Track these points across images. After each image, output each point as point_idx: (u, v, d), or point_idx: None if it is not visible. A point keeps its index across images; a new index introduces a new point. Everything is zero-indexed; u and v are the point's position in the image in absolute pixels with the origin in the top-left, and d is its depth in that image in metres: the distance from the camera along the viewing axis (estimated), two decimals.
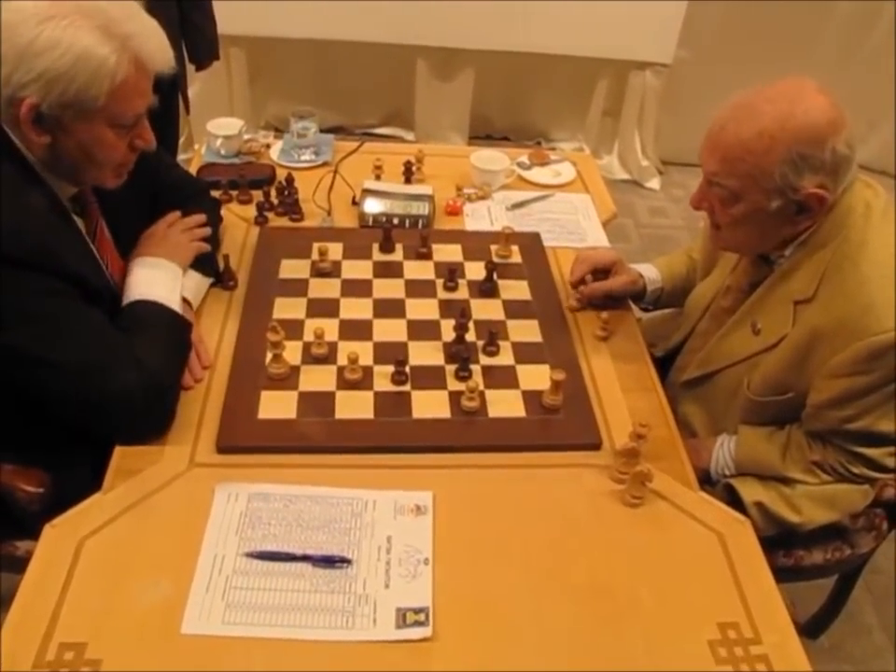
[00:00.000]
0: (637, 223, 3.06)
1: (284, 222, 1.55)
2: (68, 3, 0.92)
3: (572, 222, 1.63)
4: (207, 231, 1.32)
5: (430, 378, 1.19)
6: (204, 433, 1.09)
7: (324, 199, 1.60)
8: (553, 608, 0.92)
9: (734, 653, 0.89)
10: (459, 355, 1.20)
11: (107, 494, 1.00)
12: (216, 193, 1.52)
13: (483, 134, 3.38)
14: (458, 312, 1.24)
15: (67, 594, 0.88)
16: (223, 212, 1.47)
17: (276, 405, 1.13)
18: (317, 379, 1.17)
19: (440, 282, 1.39)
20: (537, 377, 1.20)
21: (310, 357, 1.20)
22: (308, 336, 1.23)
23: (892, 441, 1.14)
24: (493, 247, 1.49)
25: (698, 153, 1.11)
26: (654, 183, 3.28)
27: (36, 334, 0.98)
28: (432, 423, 1.13)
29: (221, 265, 1.34)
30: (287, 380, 1.17)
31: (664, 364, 1.41)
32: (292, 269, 1.39)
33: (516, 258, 1.49)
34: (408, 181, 1.66)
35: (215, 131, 1.71)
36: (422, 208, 1.55)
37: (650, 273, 1.44)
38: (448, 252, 1.47)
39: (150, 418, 1.07)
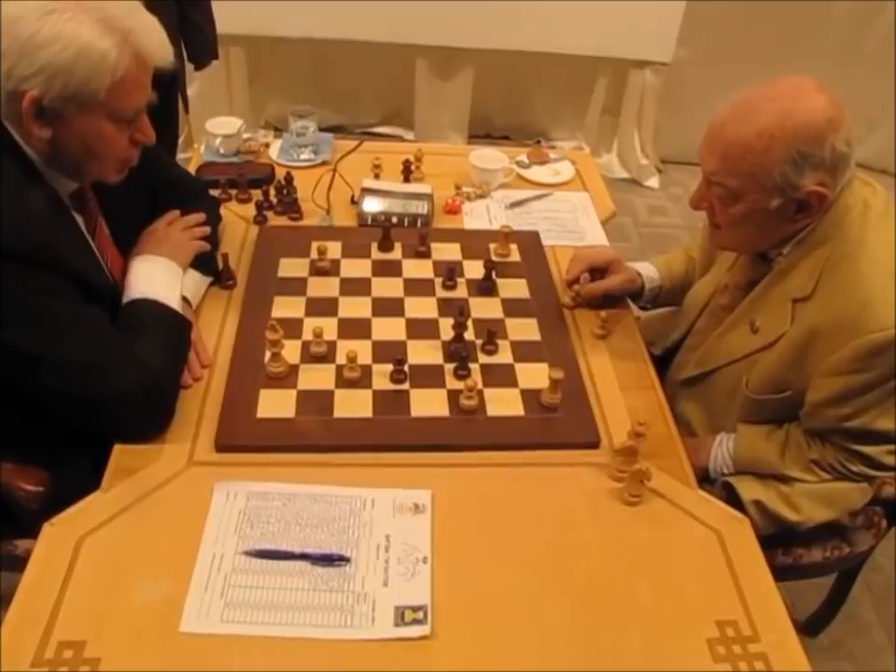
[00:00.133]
0: (636, 222, 3.06)
1: (283, 221, 1.55)
2: None
3: (571, 221, 1.63)
4: (207, 229, 1.32)
5: (429, 377, 1.19)
6: (203, 432, 1.09)
7: (323, 198, 1.60)
8: (552, 606, 0.92)
9: (732, 651, 0.89)
10: (458, 353, 1.20)
11: (106, 492, 1.00)
12: (215, 192, 1.52)
13: (482, 133, 3.38)
14: (457, 310, 1.24)
15: (66, 592, 0.88)
16: (222, 211, 1.47)
17: (275, 404, 1.13)
18: (316, 378, 1.17)
19: (438, 281, 1.39)
20: (535, 376, 1.20)
21: (309, 356, 1.20)
22: (307, 335, 1.23)
23: (891, 439, 1.14)
24: (492, 246, 1.49)
25: (697, 152, 1.11)
26: (653, 182, 3.28)
27: (37, 332, 0.98)
28: (431, 421, 1.13)
29: (220, 264, 1.34)
30: (286, 379, 1.17)
31: (662, 362, 1.41)
32: (291, 268, 1.39)
33: (515, 256, 1.49)
34: (407, 180, 1.66)
35: (214, 130, 1.71)
36: (421, 207, 1.55)
37: (648, 271, 1.44)
38: (447, 251, 1.47)
39: (150, 417, 1.07)
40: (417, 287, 1.38)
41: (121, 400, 1.02)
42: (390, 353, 1.19)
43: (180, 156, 2.52)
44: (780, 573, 1.10)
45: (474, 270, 1.41)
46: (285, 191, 1.56)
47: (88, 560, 0.92)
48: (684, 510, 1.04)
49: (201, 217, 1.33)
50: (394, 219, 1.53)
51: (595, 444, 1.12)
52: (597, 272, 1.40)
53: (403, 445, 1.10)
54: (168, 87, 1.96)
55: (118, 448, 1.06)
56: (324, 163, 1.72)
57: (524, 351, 1.26)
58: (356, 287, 1.36)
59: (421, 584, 0.92)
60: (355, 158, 1.75)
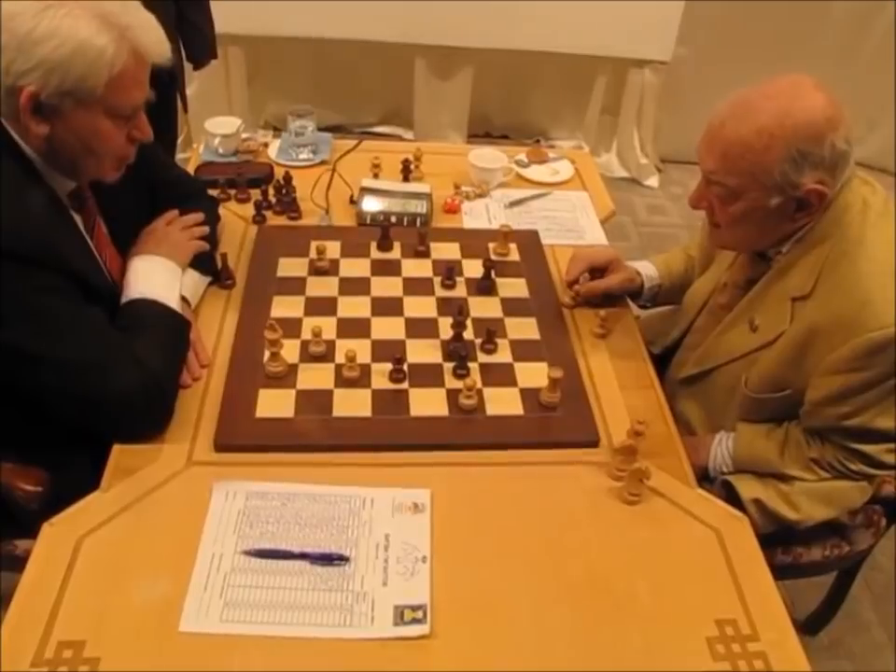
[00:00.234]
0: (635, 221, 3.06)
1: (282, 221, 1.54)
2: None
3: (570, 220, 1.63)
4: (206, 229, 1.32)
5: (428, 376, 1.19)
6: (202, 431, 1.09)
7: (322, 197, 1.60)
8: (551, 605, 0.92)
9: (731, 650, 0.89)
10: (457, 352, 1.20)
11: (106, 492, 1.00)
12: (214, 192, 1.52)
13: (481, 133, 3.38)
14: (456, 310, 1.24)
15: (66, 592, 0.88)
16: (221, 210, 1.47)
17: (274, 403, 1.13)
18: (315, 377, 1.17)
19: (437, 280, 1.39)
20: (534, 375, 1.20)
21: (308, 356, 1.20)
22: (306, 334, 1.23)
23: (890, 438, 1.14)
24: (491, 245, 1.49)
25: (696, 151, 1.11)
26: (653, 181, 3.28)
27: (37, 332, 0.98)
28: (430, 421, 1.13)
29: (219, 264, 1.34)
30: (285, 378, 1.17)
31: (661, 361, 1.41)
32: (290, 267, 1.39)
33: (514, 255, 1.49)
34: (406, 179, 1.66)
35: (213, 129, 1.71)
36: (420, 206, 1.55)
37: (647, 270, 1.44)
38: (446, 250, 1.47)
39: (149, 417, 1.07)
40: (416, 287, 1.38)
41: (121, 400, 1.02)
42: (389, 352, 1.19)
43: (179, 156, 2.52)
44: (780, 572, 1.10)
45: (473, 269, 1.41)
46: (284, 191, 1.56)
47: (87, 560, 0.92)
48: (684, 508, 1.04)
49: (199, 216, 1.33)
50: (393, 219, 1.52)
51: (594, 443, 1.12)
52: (597, 271, 1.40)
53: (402, 444, 1.10)
54: (167, 86, 1.96)
55: (117, 448, 1.06)
56: (323, 163, 1.72)
57: (523, 350, 1.26)
58: (355, 286, 1.36)
59: (420, 583, 0.92)
60: (354, 157, 1.75)
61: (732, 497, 1.18)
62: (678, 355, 1.40)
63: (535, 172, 1.78)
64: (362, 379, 1.17)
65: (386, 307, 1.32)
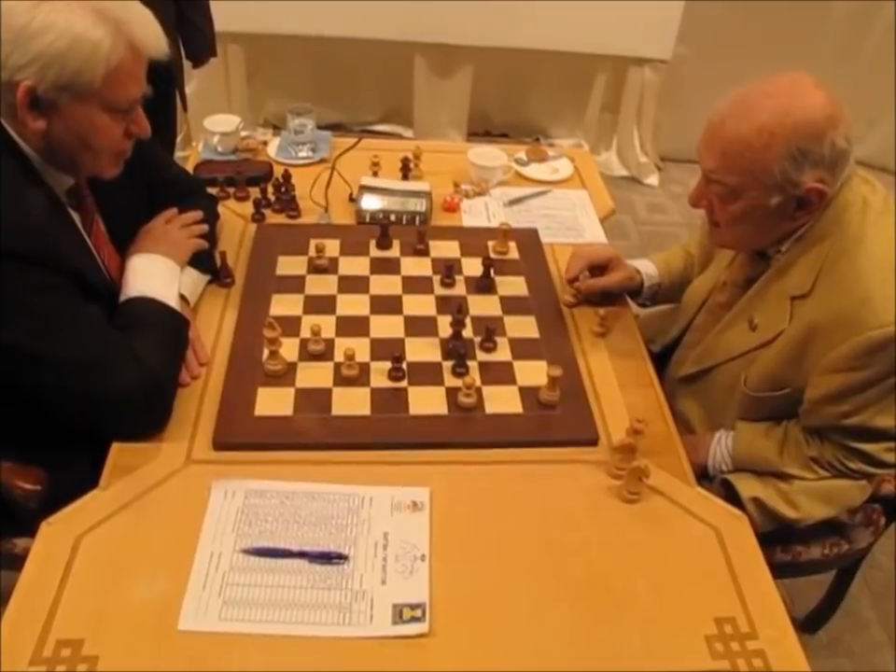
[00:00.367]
0: (635, 220, 3.05)
1: (281, 219, 1.54)
2: None
3: (570, 218, 1.63)
4: (205, 227, 1.32)
5: (427, 374, 1.19)
6: (201, 430, 1.09)
7: (321, 195, 1.60)
8: (550, 603, 0.92)
9: (730, 648, 0.89)
10: (456, 351, 1.20)
11: (104, 491, 1.00)
12: (213, 190, 1.51)
13: (481, 131, 3.38)
14: (455, 308, 1.24)
15: (64, 591, 0.88)
16: (220, 209, 1.47)
17: (273, 402, 1.12)
18: (314, 375, 1.17)
19: (437, 278, 1.39)
20: (534, 373, 1.20)
21: (307, 354, 1.20)
22: (305, 333, 1.23)
23: (890, 437, 1.14)
24: (490, 244, 1.49)
25: (696, 150, 1.11)
26: (653, 179, 3.28)
27: (36, 330, 0.98)
28: (429, 419, 1.13)
29: (218, 262, 1.34)
30: (284, 376, 1.16)
31: (661, 360, 1.41)
32: (289, 265, 1.39)
33: (513, 254, 1.48)
34: (405, 177, 1.66)
35: (212, 128, 1.70)
36: (419, 205, 1.55)
37: (647, 268, 1.44)
38: (445, 248, 1.47)
39: (148, 416, 1.07)
40: (416, 285, 1.38)
41: (120, 399, 1.02)
42: (388, 350, 1.19)
43: (178, 154, 2.52)
44: (779, 570, 1.10)
45: (473, 267, 1.41)
46: (283, 189, 1.55)
47: (86, 558, 0.92)
48: (683, 507, 1.04)
49: (198, 214, 1.33)
50: (392, 217, 1.52)
51: (593, 442, 1.12)
52: (596, 269, 1.40)
53: (401, 443, 1.10)
54: (166, 84, 1.96)
55: (115, 446, 1.05)
56: (322, 161, 1.72)
57: (522, 348, 1.26)
58: (354, 284, 1.36)
59: (419, 582, 0.92)
60: (353, 155, 1.75)
61: (731, 496, 1.18)
62: (677, 353, 1.40)
63: (534, 170, 1.78)
64: (361, 377, 1.17)
65: (386, 305, 1.32)
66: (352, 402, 1.14)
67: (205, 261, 1.32)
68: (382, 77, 3.22)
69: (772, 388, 1.18)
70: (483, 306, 1.34)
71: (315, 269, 1.38)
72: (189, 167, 1.62)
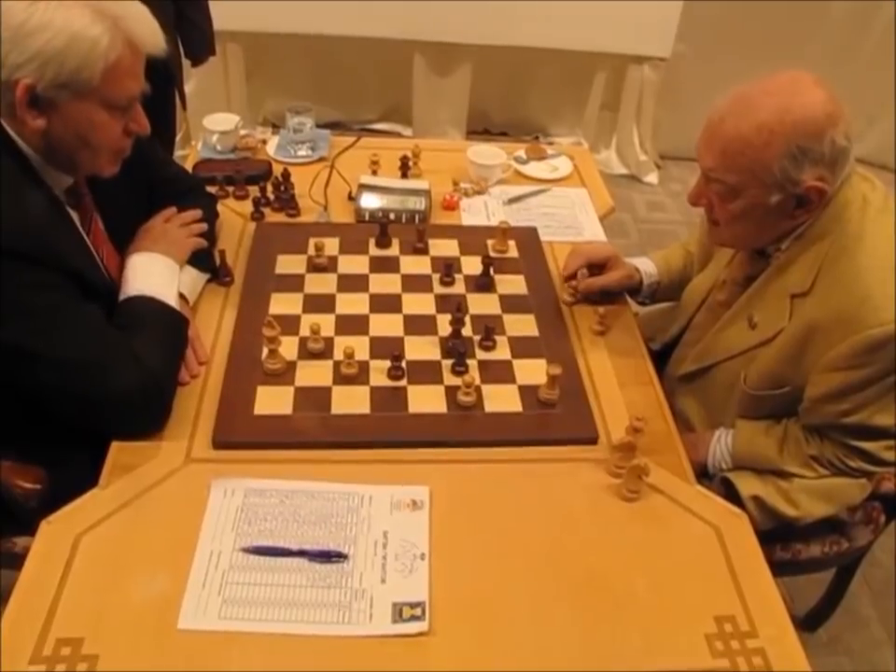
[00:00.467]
0: (635, 218, 3.05)
1: (280, 218, 1.54)
2: None
3: (569, 217, 1.63)
4: (204, 226, 1.32)
5: (426, 373, 1.19)
6: (201, 429, 1.09)
7: (320, 194, 1.60)
8: (550, 602, 0.92)
9: (730, 647, 0.89)
10: (456, 349, 1.20)
11: (104, 490, 1.00)
12: (212, 189, 1.51)
13: (480, 129, 3.38)
14: (455, 306, 1.24)
15: (64, 589, 0.88)
16: (219, 207, 1.47)
17: (272, 400, 1.12)
18: (313, 374, 1.17)
19: (436, 277, 1.39)
20: (533, 372, 1.20)
21: (306, 353, 1.20)
22: (304, 331, 1.23)
23: (890, 435, 1.14)
24: (489, 242, 1.49)
25: (695, 148, 1.10)
26: (652, 178, 3.28)
27: (35, 329, 0.98)
28: (428, 418, 1.13)
29: (217, 261, 1.34)
30: (284, 375, 1.16)
31: (660, 358, 1.41)
32: (288, 264, 1.39)
33: (513, 252, 1.48)
34: (404, 176, 1.66)
35: (211, 126, 1.70)
36: (418, 203, 1.54)
37: (646, 266, 1.44)
38: (444, 247, 1.47)
39: (148, 415, 1.07)
40: (415, 284, 1.37)
41: (120, 398, 1.02)
42: (388, 349, 1.19)
43: (177, 152, 2.51)
44: (779, 568, 1.10)
45: (472, 266, 1.41)
46: (282, 188, 1.55)
47: (85, 557, 0.92)
48: (683, 505, 1.04)
49: (197, 213, 1.33)
50: (391, 216, 1.52)
51: (593, 440, 1.12)
52: (595, 267, 1.40)
53: (401, 441, 1.10)
54: (165, 83, 1.96)
55: (115, 445, 1.05)
56: (321, 160, 1.72)
57: (522, 347, 1.26)
58: (353, 283, 1.36)
59: (419, 581, 0.92)
60: (352, 154, 1.74)
61: (731, 494, 1.18)
62: (676, 351, 1.40)
63: (534, 168, 1.78)
64: (361, 376, 1.17)
65: (385, 304, 1.32)
66: (351, 401, 1.14)
67: (205, 260, 1.32)
68: (381, 76, 3.21)
69: (772, 387, 1.18)
70: (483, 305, 1.34)
71: (314, 267, 1.38)
72: (189, 166, 1.62)
